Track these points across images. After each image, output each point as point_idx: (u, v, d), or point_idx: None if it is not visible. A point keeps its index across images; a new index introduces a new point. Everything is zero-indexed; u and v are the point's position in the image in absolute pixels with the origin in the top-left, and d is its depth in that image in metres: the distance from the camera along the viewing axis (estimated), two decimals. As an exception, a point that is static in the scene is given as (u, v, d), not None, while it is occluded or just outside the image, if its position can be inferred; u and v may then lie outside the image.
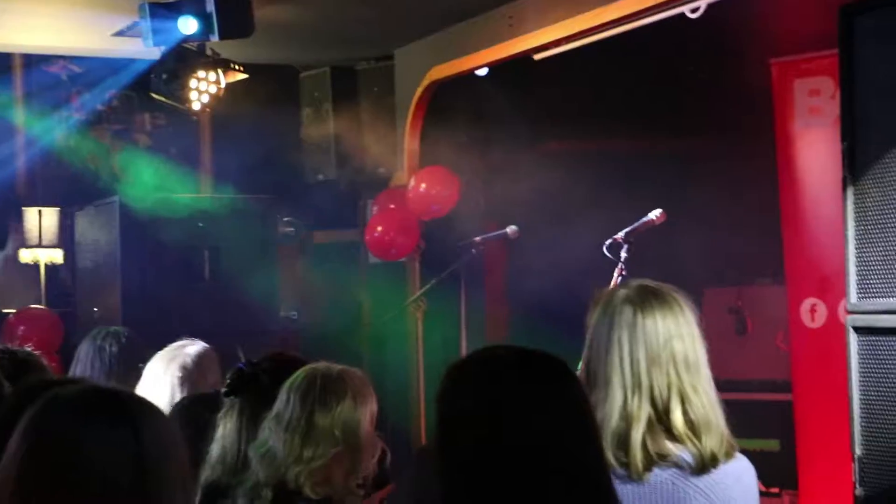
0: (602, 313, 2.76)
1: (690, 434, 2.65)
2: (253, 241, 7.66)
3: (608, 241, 5.76)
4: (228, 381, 3.56)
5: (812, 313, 6.81)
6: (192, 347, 4.33)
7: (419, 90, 8.27)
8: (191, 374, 4.22)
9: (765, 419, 7.55)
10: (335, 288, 8.60)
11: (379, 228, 8.28)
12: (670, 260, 7.67)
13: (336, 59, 8.95)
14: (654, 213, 5.84)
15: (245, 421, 3.43)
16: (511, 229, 7.25)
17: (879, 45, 3.68)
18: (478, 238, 7.37)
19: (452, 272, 7.53)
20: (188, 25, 6.43)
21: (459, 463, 2.10)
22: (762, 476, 8.24)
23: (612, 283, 5.65)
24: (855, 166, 3.74)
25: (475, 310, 8.09)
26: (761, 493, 7.99)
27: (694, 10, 5.87)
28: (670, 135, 8.63)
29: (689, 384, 2.68)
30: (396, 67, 8.72)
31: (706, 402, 2.69)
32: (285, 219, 7.99)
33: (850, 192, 3.77)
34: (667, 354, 2.68)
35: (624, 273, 5.68)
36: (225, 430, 3.47)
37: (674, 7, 5.95)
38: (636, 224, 5.79)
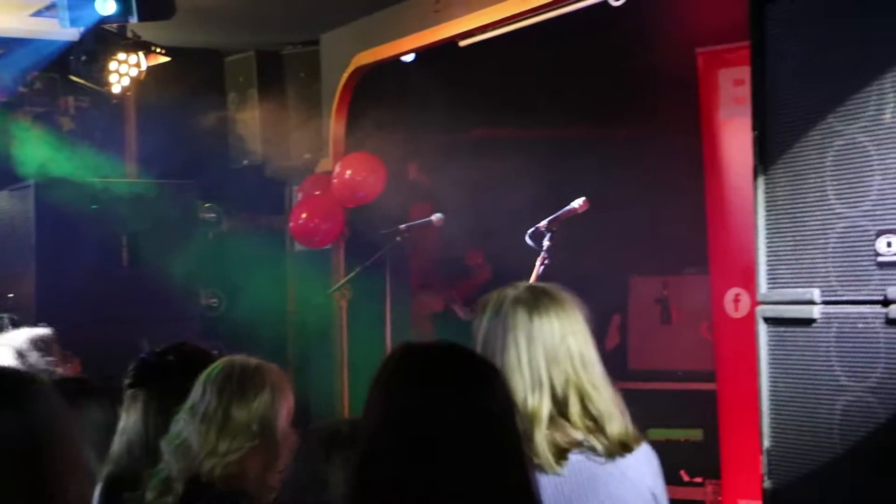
0: (493, 317, 2.76)
1: (593, 426, 2.69)
2: (173, 226, 7.53)
3: (531, 230, 5.72)
4: (132, 371, 3.49)
5: (736, 303, 6.83)
6: (28, 332, 4.27)
7: (345, 76, 8.20)
8: (26, 359, 4.15)
9: (689, 408, 7.58)
10: (258, 275, 8.51)
11: (303, 215, 8.20)
12: (596, 249, 7.68)
13: (261, 43, 8.85)
14: (577, 202, 5.80)
15: (152, 413, 3.36)
16: (436, 217, 7.20)
17: (789, 32, 3.67)
18: (402, 226, 7.31)
19: (377, 260, 7.47)
20: (106, 6, 6.31)
21: (371, 461, 2.09)
22: (686, 465, 8.22)
23: (535, 271, 5.62)
24: (765, 155, 3.74)
25: (400, 298, 8.04)
26: (685, 483, 7.96)
27: (617, -1, 5.86)
28: (596, 123, 8.62)
29: (587, 381, 2.72)
30: (322, 52, 8.64)
31: (606, 396, 2.73)
32: (206, 204, 7.86)
33: (760, 181, 3.77)
34: (564, 352, 2.72)
35: (546, 261, 5.64)
36: (128, 422, 3.41)
37: (596, -5, 5.94)
38: (559, 212, 5.75)
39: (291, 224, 8.29)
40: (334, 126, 8.37)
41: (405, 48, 7.60)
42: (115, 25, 6.89)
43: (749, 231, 6.59)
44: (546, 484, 2.55)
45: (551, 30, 6.63)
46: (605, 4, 6.04)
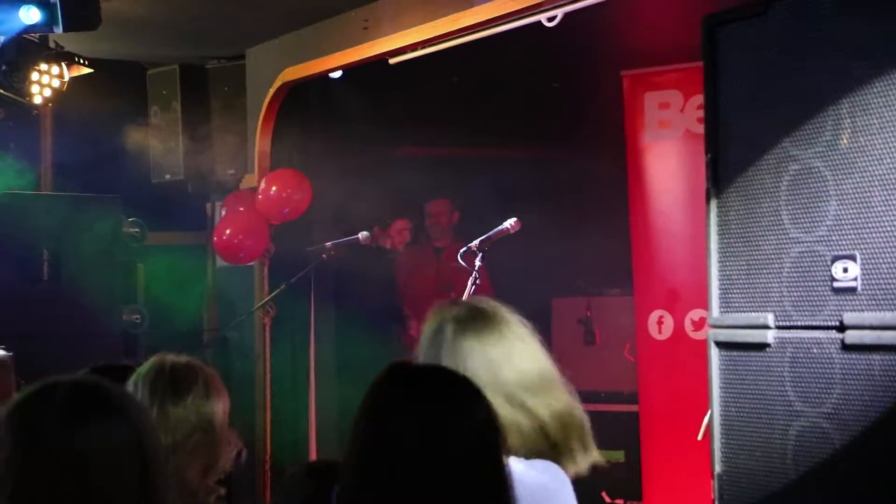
0: (432, 337, 2.69)
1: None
2: (95, 241, 7.39)
3: (463, 249, 5.72)
4: None
5: (659, 325, 6.88)
6: None
7: (271, 91, 8.12)
8: None
9: (611, 430, 7.59)
10: (181, 292, 8.39)
11: (227, 231, 8.09)
12: (520, 269, 7.69)
13: (186, 56, 8.73)
14: (509, 222, 5.81)
15: None
16: (363, 235, 7.17)
17: (740, 56, 3.68)
18: (328, 243, 7.27)
19: (302, 278, 7.41)
20: (30, 15, 6.16)
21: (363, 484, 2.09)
22: (608, 486, 8.29)
23: (466, 291, 5.61)
24: (718, 179, 3.71)
25: (325, 316, 7.98)
26: (606, 504, 7.94)
27: (551, 20, 5.86)
28: (524, 143, 8.66)
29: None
30: (248, 67, 8.54)
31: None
32: (130, 219, 7.72)
33: (713, 204, 3.74)
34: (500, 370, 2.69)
35: (478, 281, 5.65)
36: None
37: (530, 15, 5.93)
38: (491, 232, 5.75)
39: (215, 240, 8.18)
40: (260, 142, 8.28)
41: (333, 64, 7.53)
42: (37, 35, 6.75)
43: (673, 253, 6.70)
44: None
45: (482, 49, 6.63)
46: (534, 26, 6.05)
